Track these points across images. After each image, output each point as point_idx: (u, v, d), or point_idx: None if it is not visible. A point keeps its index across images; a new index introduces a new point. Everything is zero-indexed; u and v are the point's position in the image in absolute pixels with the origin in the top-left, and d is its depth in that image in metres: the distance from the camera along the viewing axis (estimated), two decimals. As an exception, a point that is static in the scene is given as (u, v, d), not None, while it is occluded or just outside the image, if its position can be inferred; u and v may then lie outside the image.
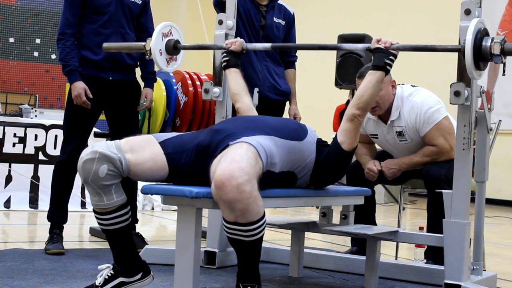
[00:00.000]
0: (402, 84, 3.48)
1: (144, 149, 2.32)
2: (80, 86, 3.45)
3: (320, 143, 2.59)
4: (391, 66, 2.65)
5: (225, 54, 3.04)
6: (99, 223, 2.35)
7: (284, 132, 2.45)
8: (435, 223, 3.18)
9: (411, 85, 3.47)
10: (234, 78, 2.99)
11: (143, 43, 3.19)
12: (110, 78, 3.58)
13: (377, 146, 3.65)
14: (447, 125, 3.30)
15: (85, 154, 2.26)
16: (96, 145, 2.28)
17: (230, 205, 2.07)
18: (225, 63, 3.04)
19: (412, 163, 3.37)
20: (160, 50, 3.18)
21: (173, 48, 3.22)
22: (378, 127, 3.45)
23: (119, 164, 2.25)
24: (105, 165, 2.23)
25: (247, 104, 2.91)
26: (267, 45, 3.20)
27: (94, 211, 2.34)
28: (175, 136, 2.44)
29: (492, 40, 2.50)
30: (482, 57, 2.52)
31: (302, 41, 4.20)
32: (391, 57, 2.65)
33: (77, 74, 3.48)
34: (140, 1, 3.66)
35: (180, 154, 2.36)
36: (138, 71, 3.75)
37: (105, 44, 3.34)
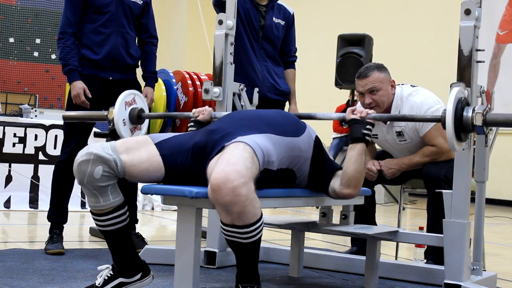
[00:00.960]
0: (402, 84, 3.48)
1: (140, 150, 2.32)
2: (79, 86, 3.45)
3: (319, 142, 2.58)
4: (369, 136, 2.56)
5: (191, 124, 2.85)
6: (96, 224, 2.35)
7: (281, 128, 2.44)
8: (435, 223, 3.18)
9: (411, 85, 3.47)
10: None
11: (105, 112, 3.13)
12: (110, 78, 3.58)
13: (377, 146, 3.65)
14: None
15: (80, 156, 2.26)
16: (91, 147, 2.28)
17: (227, 208, 2.06)
18: None
19: (411, 163, 3.37)
20: (124, 120, 3.11)
21: (137, 118, 3.14)
22: (378, 127, 3.45)
23: (114, 165, 2.25)
24: (100, 167, 2.23)
25: None
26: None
27: (91, 212, 2.34)
28: (171, 137, 2.43)
29: (474, 110, 2.38)
30: (463, 128, 2.40)
31: (302, 41, 4.21)
32: (368, 126, 2.55)
33: (76, 74, 3.48)
34: (141, 2, 3.66)
35: (176, 155, 2.36)
36: (138, 71, 3.75)
37: (64, 114, 3.31)
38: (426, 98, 3.34)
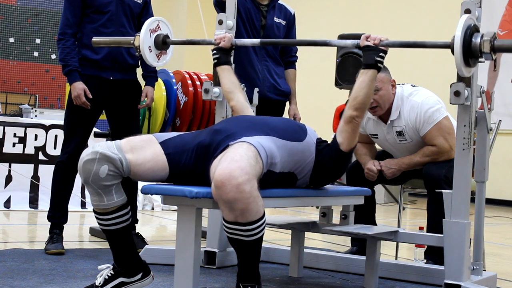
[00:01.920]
0: (403, 84, 3.48)
1: (144, 149, 2.32)
2: (79, 87, 3.45)
3: (320, 143, 2.59)
4: (382, 63, 2.60)
5: (214, 51, 2.99)
6: (99, 223, 2.35)
7: (284, 133, 2.45)
8: (435, 223, 3.18)
9: (411, 85, 3.47)
10: (227, 76, 2.97)
11: (132, 38, 3.18)
12: (111, 78, 3.58)
13: (377, 146, 3.65)
14: (447, 125, 3.30)
15: (85, 155, 2.26)
16: (96, 146, 2.28)
17: (230, 205, 2.07)
18: (215, 61, 3.01)
19: (412, 163, 3.37)
20: (149, 47, 3.17)
21: (162, 43, 3.20)
22: (378, 127, 3.45)
23: (120, 165, 2.25)
24: (105, 166, 2.23)
25: (242, 102, 2.89)
26: (256, 40, 3.17)
27: (95, 211, 2.34)
28: (175, 136, 2.43)
29: (482, 37, 2.44)
30: (471, 54, 2.45)
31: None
32: (381, 54, 2.59)
33: (76, 75, 3.47)
34: (141, 1, 3.66)
35: (180, 154, 2.36)
36: (139, 71, 3.75)
37: (94, 38, 3.33)
38: (427, 98, 3.34)
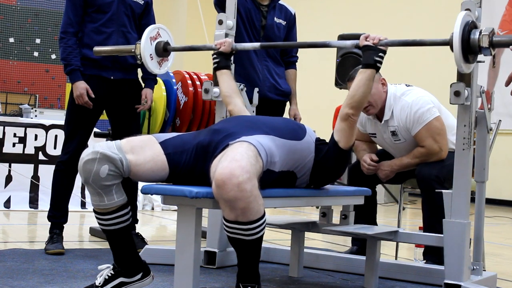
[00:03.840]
0: (397, 84, 3.48)
1: (144, 150, 2.32)
2: (81, 86, 3.45)
3: (319, 141, 2.59)
4: (381, 63, 2.61)
5: (215, 56, 3.03)
6: (99, 223, 2.35)
7: (283, 131, 2.45)
8: (430, 223, 3.20)
9: (406, 85, 3.46)
10: (226, 80, 3.00)
11: (133, 47, 3.20)
12: (112, 78, 3.57)
13: (378, 146, 3.65)
14: (437, 126, 3.29)
15: (86, 155, 2.26)
16: (97, 145, 2.28)
17: (231, 204, 2.07)
18: (215, 65, 3.04)
19: (403, 164, 3.38)
20: (150, 54, 3.21)
21: (163, 51, 3.23)
22: (376, 126, 3.45)
23: (120, 165, 2.25)
24: (106, 166, 2.23)
25: (239, 106, 2.90)
26: (256, 44, 3.20)
27: (95, 211, 2.34)
28: (175, 136, 2.44)
29: (480, 32, 2.44)
30: (470, 50, 2.46)
31: (302, 41, 4.20)
32: (380, 53, 2.61)
33: (78, 74, 3.47)
34: (143, 1, 3.66)
35: (180, 154, 2.36)
36: (139, 72, 3.75)
37: (96, 48, 3.35)
38: (417, 98, 3.33)
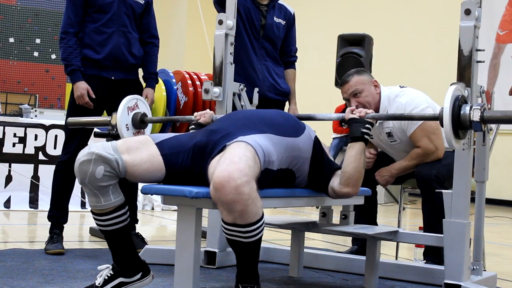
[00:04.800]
0: (392, 86, 3.48)
1: (141, 150, 2.32)
2: (82, 87, 3.45)
3: (317, 144, 2.58)
4: (368, 134, 2.59)
5: (193, 127, 2.85)
6: (97, 224, 2.35)
7: (280, 128, 2.44)
8: (430, 223, 3.20)
9: (400, 86, 3.47)
10: None
11: (108, 118, 3.15)
12: (112, 78, 3.57)
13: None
14: (431, 126, 3.29)
15: (81, 156, 2.26)
16: (92, 146, 2.28)
17: (229, 207, 2.07)
18: None
19: (402, 168, 3.37)
20: (127, 125, 3.14)
21: (139, 122, 3.17)
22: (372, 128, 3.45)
23: (116, 165, 2.25)
24: (101, 166, 2.23)
25: None
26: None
27: (92, 212, 2.34)
28: (171, 137, 2.43)
29: (471, 107, 2.38)
30: (461, 125, 2.39)
31: (302, 41, 4.21)
32: (367, 125, 2.58)
33: (79, 74, 3.47)
34: (143, 1, 3.66)
35: (177, 155, 2.36)
36: (140, 71, 3.75)
37: (69, 119, 3.32)
38: (411, 99, 3.33)
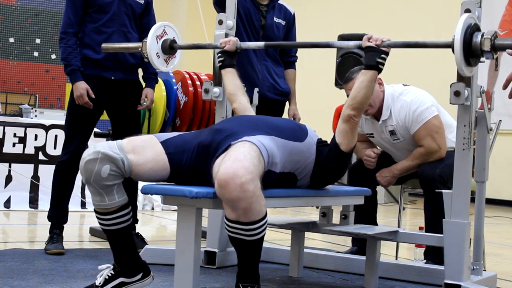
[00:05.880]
0: (395, 84, 3.48)
1: (146, 149, 2.32)
2: (82, 87, 3.45)
3: (320, 143, 2.59)
4: (383, 64, 2.59)
5: (219, 54, 3.02)
6: (100, 223, 2.35)
7: (285, 132, 2.45)
8: (432, 223, 3.19)
9: (403, 84, 3.47)
10: (230, 78, 2.98)
11: (140, 44, 3.19)
12: (112, 78, 3.57)
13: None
14: (435, 124, 3.29)
15: (87, 154, 2.26)
16: (98, 145, 2.28)
17: (233, 204, 2.07)
18: (220, 63, 3.03)
19: (404, 168, 3.37)
20: (157, 53, 3.19)
21: (169, 48, 3.22)
22: (373, 126, 3.45)
23: (122, 165, 2.25)
24: (107, 165, 2.23)
25: (244, 104, 2.90)
26: (260, 43, 3.19)
27: (96, 211, 2.34)
28: (176, 135, 2.44)
29: (483, 35, 2.42)
30: (472, 53, 2.43)
31: (302, 41, 4.20)
32: (383, 55, 2.58)
33: (79, 74, 3.47)
34: (143, 1, 3.66)
35: (181, 154, 2.36)
36: (140, 71, 3.74)
37: (104, 45, 3.35)
38: (416, 97, 3.33)
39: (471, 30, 2.43)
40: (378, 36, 2.60)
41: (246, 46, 3.12)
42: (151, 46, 3.15)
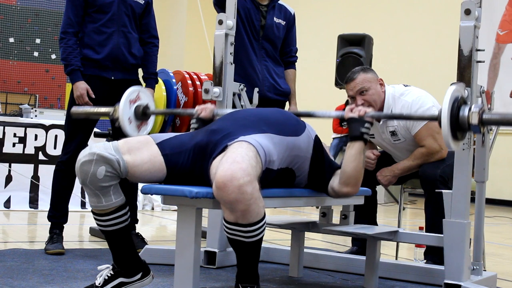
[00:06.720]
0: (396, 85, 3.48)
1: (142, 151, 2.32)
2: (82, 87, 3.45)
3: (317, 143, 2.58)
4: (368, 134, 2.55)
5: (194, 121, 2.78)
6: (97, 224, 2.34)
7: (281, 128, 2.44)
8: (433, 223, 3.19)
9: (404, 85, 3.47)
10: None
11: (111, 110, 3.02)
12: (112, 78, 3.57)
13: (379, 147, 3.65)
14: (436, 125, 3.28)
15: (82, 156, 2.26)
16: (93, 147, 2.28)
17: (231, 206, 2.07)
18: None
19: (405, 168, 3.37)
20: (129, 118, 3.02)
21: (142, 115, 3.05)
22: (374, 127, 3.45)
23: (117, 166, 2.25)
24: (103, 167, 2.23)
25: None
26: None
27: (93, 212, 2.34)
28: (172, 137, 2.43)
29: (470, 109, 2.34)
30: (459, 127, 2.35)
31: (302, 41, 4.21)
32: (366, 125, 2.53)
33: (79, 74, 3.47)
34: (143, 1, 3.66)
35: (177, 155, 2.36)
36: (140, 72, 3.75)
37: (73, 109, 3.19)
38: (417, 98, 3.33)
39: (458, 103, 2.35)
40: (360, 107, 2.55)
41: (222, 113, 2.79)
42: (124, 110, 2.97)
